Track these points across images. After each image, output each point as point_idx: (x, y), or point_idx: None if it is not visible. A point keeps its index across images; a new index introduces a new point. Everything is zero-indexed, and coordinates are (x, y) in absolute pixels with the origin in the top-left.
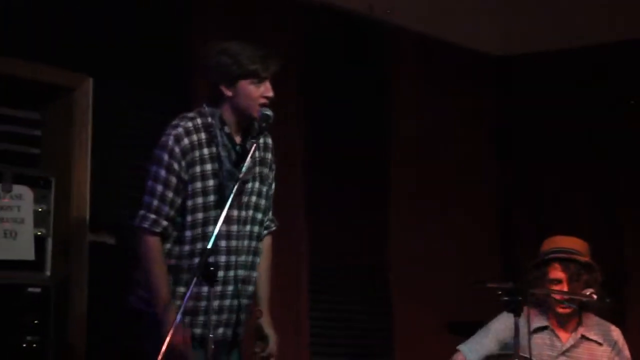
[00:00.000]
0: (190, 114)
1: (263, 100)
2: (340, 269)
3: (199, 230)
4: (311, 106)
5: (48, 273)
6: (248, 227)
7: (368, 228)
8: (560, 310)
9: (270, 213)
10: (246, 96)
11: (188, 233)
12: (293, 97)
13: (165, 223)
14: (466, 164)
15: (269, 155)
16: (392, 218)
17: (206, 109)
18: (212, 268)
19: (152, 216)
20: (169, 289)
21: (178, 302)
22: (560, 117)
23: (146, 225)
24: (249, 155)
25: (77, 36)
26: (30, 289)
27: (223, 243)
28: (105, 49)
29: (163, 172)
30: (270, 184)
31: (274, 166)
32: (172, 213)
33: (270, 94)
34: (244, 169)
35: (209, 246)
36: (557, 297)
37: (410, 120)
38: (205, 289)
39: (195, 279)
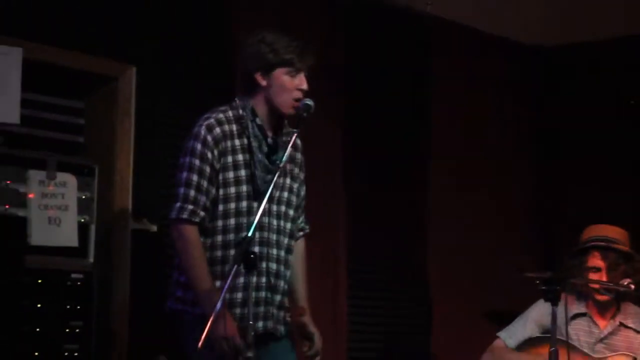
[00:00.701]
0: (222, 107)
1: (297, 94)
2: (379, 265)
3: (232, 220)
4: (350, 102)
5: (91, 260)
6: (281, 222)
7: (406, 223)
8: (599, 297)
9: (304, 216)
10: (280, 86)
11: (219, 223)
12: (333, 93)
13: (202, 213)
14: (504, 155)
15: (299, 155)
16: (430, 212)
17: (237, 102)
18: (252, 255)
19: (190, 207)
20: (212, 279)
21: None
22: (601, 109)
23: (185, 216)
24: (290, 146)
25: (121, 26)
26: (73, 275)
27: (256, 234)
28: (148, 38)
29: (197, 162)
30: (302, 184)
31: (304, 167)
32: (208, 203)
33: (305, 86)
34: (284, 158)
35: (249, 234)
36: (595, 286)
37: (450, 114)
38: (241, 280)
39: (235, 268)
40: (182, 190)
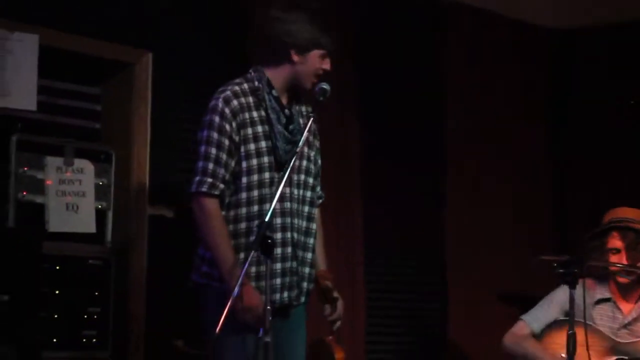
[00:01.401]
0: (237, 80)
1: (320, 72)
2: (396, 247)
3: (255, 192)
4: (365, 85)
5: (109, 245)
6: (301, 191)
7: (423, 206)
8: (620, 280)
9: (319, 187)
10: (312, 66)
11: (243, 195)
12: (349, 74)
13: (222, 186)
14: (520, 140)
15: (312, 124)
16: (446, 192)
17: (252, 74)
18: (269, 241)
19: (209, 180)
20: (233, 251)
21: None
22: (615, 90)
23: (204, 189)
24: (307, 130)
25: (137, 11)
26: (91, 261)
27: (277, 205)
28: (164, 24)
29: (215, 135)
30: (318, 152)
31: (318, 135)
32: (227, 176)
33: (329, 68)
34: (301, 143)
35: (266, 219)
36: (614, 269)
37: (465, 98)
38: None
39: (252, 254)
40: (200, 163)
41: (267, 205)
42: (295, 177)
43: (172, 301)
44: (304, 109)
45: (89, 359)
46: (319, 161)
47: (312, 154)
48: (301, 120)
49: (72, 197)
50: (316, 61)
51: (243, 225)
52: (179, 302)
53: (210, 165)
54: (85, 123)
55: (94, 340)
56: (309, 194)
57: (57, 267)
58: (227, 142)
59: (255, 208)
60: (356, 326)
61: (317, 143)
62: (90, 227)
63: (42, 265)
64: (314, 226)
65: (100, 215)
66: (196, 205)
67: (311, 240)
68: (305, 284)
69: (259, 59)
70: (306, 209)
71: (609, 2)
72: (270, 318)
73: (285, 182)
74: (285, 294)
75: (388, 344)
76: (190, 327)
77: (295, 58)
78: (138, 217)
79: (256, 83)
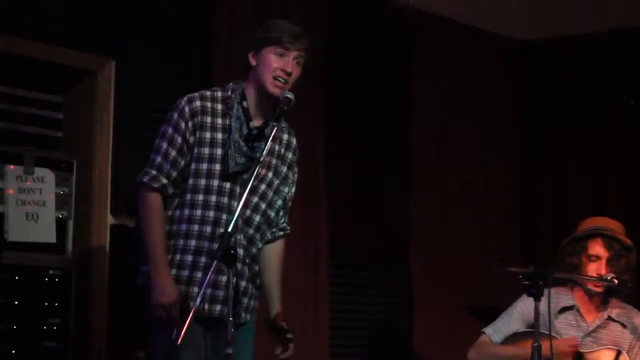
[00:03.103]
0: (215, 87)
1: (279, 73)
2: (361, 252)
3: (200, 196)
4: (331, 96)
5: (69, 255)
6: (248, 212)
7: (389, 212)
8: (592, 287)
9: (287, 217)
10: (265, 64)
11: (188, 197)
12: (315, 86)
13: (164, 181)
14: (490, 149)
15: (290, 155)
16: (413, 202)
17: (231, 85)
18: (232, 251)
19: (153, 172)
20: (165, 248)
21: (173, 271)
22: (587, 101)
23: (145, 179)
24: (270, 140)
25: (100, 19)
26: (51, 271)
27: (224, 216)
28: (128, 32)
29: (170, 131)
30: (289, 185)
31: (295, 168)
32: (173, 173)
33: (289, 69)
34: (264, 153)
35: (230, 229)
36: (581, 280)
37: (434, 106)
38: (202, 259)
39: (215, 264)
40: (151, 155)
41: (210, 212)
42: (249, 197)
43: (133, 311)
44: (285, 137)
45: None
46: (288, 193)
47: (276, 182)
48: (279, 148)
49: (32, 207)
50: (271, 59)
51: (183, 226)
52: (141, 312)
53: (158, 159)
54: (46, 131)
55: (54, 351)
56: (257, 217)
57: (16, 277)
58: (179, 139)
59: (198, 212)
60: (320, 338)
61: (290, 175)
62: (51, 237)
63: (1, 275)
64: (253, 250)
65: (60, 224)
66: (138, 195)
67: (247, 257)
68: (245, 300)
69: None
70: (250, 231)
71: (579, 14)
72: (232, 330)
73: (235, 196)
74: (218, 307)
75: (353, 355)
76: None
77: (253, 61)
78: (99, 227)
79: (230, 92)
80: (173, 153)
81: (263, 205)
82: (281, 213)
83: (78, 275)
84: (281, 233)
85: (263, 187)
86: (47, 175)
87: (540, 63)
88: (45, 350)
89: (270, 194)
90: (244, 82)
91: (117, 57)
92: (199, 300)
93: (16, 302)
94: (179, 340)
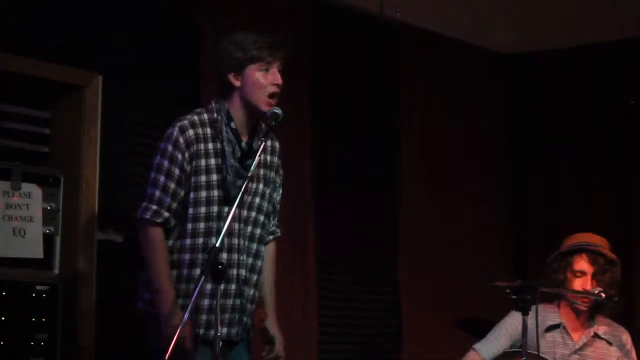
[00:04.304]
0: (198, 110)
1: (272, 89)
2: (348, 265)
3: (202, 224)
4: (320, 105)
5: (56, 271)
6: (249, 228)
7: (377, 226)
8: (580, 307)
9: (276, 219)
10: (253, 83)
11: (189, 226)
12: (301, 94)
13: (167, 214)
14: (478, 161)
15: (276, 159)
16: (401, 216)
17: (213, 105)
18: (220, 266)
19: (154, 207)
20: (172, 282)
21: (179, 301)
22: (573, 114)
23: (147, 216)
24: (257, 154)
25: (86, 34)
26: (38, 287)
27: (225, 240)
28: (114, 47)
29: (166, 163)
30: (277, 189)
31: (281, 171)
32: (174, 205)
33: (279, 81)
34: (252, 168)
35: (217, 244)
36: (568, 295)
37: (420, 119)
38: (208, 286)
39: (202, 277)
40: (148, 190)
41: (213, 239)
42: (245, 214)
43: (122, 326)
44: (269, 143)
45: None
46: (277, 197)
47: (268, 191)
48: (264, 157)
49: (19, 222)
50: (257, 77)
51: (187, 256)
52: (129, 327)
53: (157, 193)
54: (33, 147)
55: None
56: (258, 231)
57: (3, 293)
58: (177, 171)
59: (201, 240)
60: (309, 351)
61: (278, 180)
62: (38, 253)
63: None
64: (259, 263)
65: (48, 240)
66: (140, 232)
67: (255, 277)
68: (246, 319)
69: (217, 94)
70: (254, 246)
71: (563, 28)
72: (220, 344)
73: (234, 218)
74: (225, 330)
75: None
76: (140, 353)
77: (236, 83)
78: (87, 242)
79: (215, 114)
80: (172, 185)
81: (262, 218)
82: (271, 217)
83: (65, 290)
84: (271, 237)
85: (258, 200)
86: (34, 191)
87: (526, 76)
88: None
89: (265, 204)
90: (226, 102)
91: (104, 72)
92: (186, 316)
93: (3, 318)
94: (167, 356)
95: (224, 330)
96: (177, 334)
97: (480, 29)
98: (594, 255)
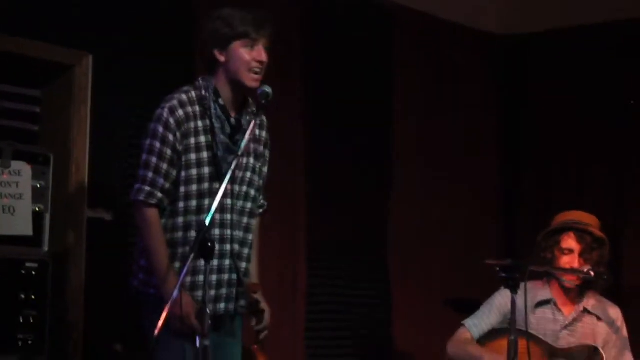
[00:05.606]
0: (185, 88)
1: (255, 65)
2: (339, 244)
3: (193, 202)
4: (313, 87)
5: (46, 248)
6: (241, 202)
7: (368, 207)
8: (567, 285)
9: (262, 193)
10: (238, 59)
11: (181, 205)
12: (294, 76)
13: (160, 195)
14: (470, 142)
15: (264, 134)
16: (391, 195)
17: (201, 82)
18: (209, 244)
19: (147, 188)
20: (168, 261)
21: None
22: (567, 95)
23: (142, 197)
24: (248, 133)
25: (77, 13)
26: (28, 264)
27: (217, 216)
28: (104, 26)
29: (158, 144)
30: (266, 163)
31: (269, 145)
32: (167, 185)
33: (263, 58)
34: (242, 144)
35: (207, 222)
36: (558, 274)
37: (414, 101)
38: (202, 263)
39: (192, 255)
40: (141, 171)
41: (205, 216)
42: (236, 189)
43: (111, 304)
44: (258, 119)
45: None
46: (265, 171)
47: (258, 165)
48: (257, 131)
49: (9, 200)
50: (242, 53)
51: (179, 234)
52: (119, 305)
53: (150, 174)
54: (23, 125)
55: (30, 344)
56: (249, 205)
57: None
58: (169, 152)
59: (193, 218)
60: (297, 331)
61: (267, 153)
62: (27, 230)
63: None
64: (250, 237)
65: (37, 217)
66: (135, 213)
67: (246, 251)
68: (242, 290)
69: (203, 71)
70: (245, 220)
71: (557, 8)
72: (209, 322)
73: (226, 193)
74: (222, 305)
75: (330, 348)
76: (129, 330)
77: (222, 58)
78: (76, 220)
79: (203, 92)
80: (165, 166)
81: (253, 192)
82: (260, 191)
83: (55, 268)
84: (260, 210)
85: (249, 174)
86: (24, 169)
87: (520, 57)
88: (22, 343)
89: (256, 179)
90: (212, 79)
91: (95, 51)
92: (176, 293)
93: None
94: (156, 332)
95: (222, 305)
96: (180, 311)
97: (474, 10)
98: (581, 233)
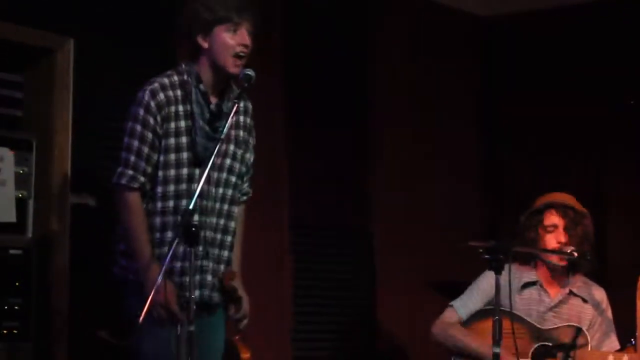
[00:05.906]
0: (168, 72)
1: (239, 49)
2: (323, 226)
3: (171, 187)
4: (292, 69)
5: (29, 235)
6: (221, 189)
7: (351, 186)
8: (560, 262)
9: (248, 180)
10: (221, 44)
11: (159, 189)
12: (276, 56)
13: (142, 179)
14: (451, 123)
15: (248, 120)
16: (375, 175)
17: (183, 67)
18: (194, 229)
19: (130, 172)
20: (150, 246)
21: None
22: (547, 76)
23: (124, 181)
24: (230, 117)
25: None
26: (11, 251)
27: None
28: (87, 10)
29: (139, 128)
30: (250, 150)
31: (253, 132)
32: (149, 169)
33: (246, 42)
34: (225, 130)
35: (191, 206)
36: (542, 255)
37: (394, 81)
38: (180, 249)
39: (176, 240)
40: (124, 155)
41: (184, 201)
42: (215, 175)
43: (95, 290)
44: (242, 104)
45: (10, 350)
46: (250, 158)
47: (239, 152)
48: (236, 117)
49: None
50: (224, 38)
51: (158, 219)
52: (103, 291)
53: (132, 158)
54: (5, 111)
55: (15, 332)
56: (229, 192)
57: None
58: (150, 135)
59: (171, 203)
60: (283, 312)
61: (251, 140)
62: (11, 216)
63: None
64: (232, 224)
65: (20, 204)
66: (116, 197)
67: (229, 238)
68: (217, 281)
69: (186, 56)
70: (225, 207)
71: None
72: (194, 308)
73: (205, 179)
74: (197, 292)
75: (315, 332)
76: (114, 316)
77: (204, 44)
78: (60, 206)
79: (185, 76)
80: (146, 149)
81: (233, 179)
82: (245, 178)
83: (39, 254)
84: (245, 198)
85: (228, 161)
86: (6, 155)
87: (502, 38)
88: (7, 331)
89: (236, 165)
90: (195, 64)
91: (77, 35)
92: (159, 278)
93: None
94: (141, 318)
95: (196, 292)
96: (162, 298)
97: None
98: (563, 208)
